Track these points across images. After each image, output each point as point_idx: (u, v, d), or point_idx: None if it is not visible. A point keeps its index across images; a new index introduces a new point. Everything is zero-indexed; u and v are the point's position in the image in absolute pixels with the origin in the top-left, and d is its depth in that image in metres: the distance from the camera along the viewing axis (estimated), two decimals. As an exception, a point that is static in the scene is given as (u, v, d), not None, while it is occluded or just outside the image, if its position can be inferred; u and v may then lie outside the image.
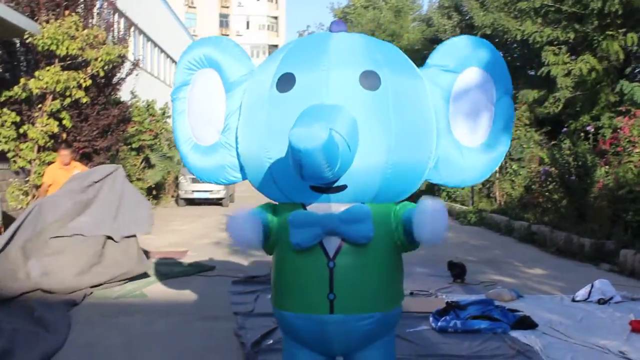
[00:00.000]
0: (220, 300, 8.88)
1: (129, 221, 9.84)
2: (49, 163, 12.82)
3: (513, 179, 20.51)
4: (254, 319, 7.73)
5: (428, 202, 3.31)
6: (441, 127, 3.83)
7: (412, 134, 3.62)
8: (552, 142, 19.27)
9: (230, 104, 4.02)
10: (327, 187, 3.48)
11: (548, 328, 7.41)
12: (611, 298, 8.80)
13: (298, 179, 3.25)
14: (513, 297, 8.93)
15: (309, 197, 3.58)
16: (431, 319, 7.52)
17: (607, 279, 9.51)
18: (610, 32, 20.60)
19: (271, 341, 6.81)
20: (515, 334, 7.14)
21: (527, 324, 7.44)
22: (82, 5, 15.82)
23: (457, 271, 10.38)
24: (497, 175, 20.89)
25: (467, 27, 28.65)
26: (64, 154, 10.54)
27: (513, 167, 20.53)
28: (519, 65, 27.28)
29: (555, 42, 21.87)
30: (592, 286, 9.00)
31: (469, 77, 3.91)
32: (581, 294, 8.97)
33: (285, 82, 3.60)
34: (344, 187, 3.49)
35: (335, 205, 3.54)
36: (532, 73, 25.39)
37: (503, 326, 7.30)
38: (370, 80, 3.53)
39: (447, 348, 6.68)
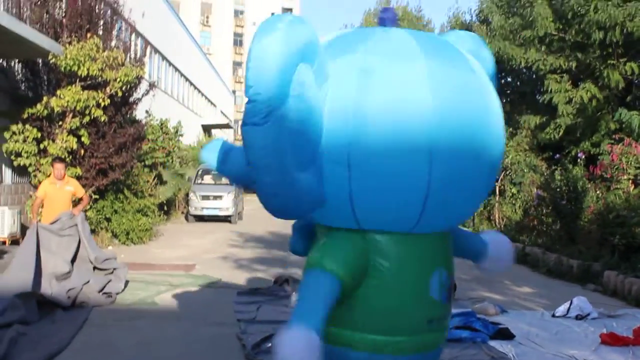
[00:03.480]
0: (225, 309, 9.55)
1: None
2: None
3: (513, 202, 21.16)
4: (255, 325, 8.37)
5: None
6: None
7: None
8: (553, 168, 19.90)
9: None
10: None
11: (524, 339, 8.10)
12: (588, 314, 9.46)
13: None
14: (497, 311, 9.58)
15: None
16: (417, 328, 8.13)
17: (591, 298, 10.20)
18: (612, 62, 21.26)
19: (270, 344, 7.46)
20: (493, 343, 7.81)
21: (505, 334, 8.12)
22: (102, 27, 16.63)
23: (448, 287, 10.98)
24: (498, 198, 21.55)
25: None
26: (58, 167, 10.86)
27: (512, 190, 21.16)
28: (525, 90, 27.96)
29: (558, 70, 22.54)
30: (570, 303, 9.68)
31: None
32: (561, 310, 9.65)
33: None
34: None
35: None
36: (538, 98, 25.98)
37: (482, 336, 7.96)
38: None
39: (429, 354, 7.33)
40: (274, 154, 3.07)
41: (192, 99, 41.71)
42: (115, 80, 15.15)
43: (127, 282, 10.71)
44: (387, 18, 3.69)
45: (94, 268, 10.38)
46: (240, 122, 3.73)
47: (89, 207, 15.10)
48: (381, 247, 3.48)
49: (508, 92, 29.36)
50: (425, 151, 3.19)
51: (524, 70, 27.22)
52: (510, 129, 23.81)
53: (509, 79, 29.77)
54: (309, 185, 3.24)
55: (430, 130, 3.18)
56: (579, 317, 9.39)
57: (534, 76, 26.40)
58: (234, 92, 74.04)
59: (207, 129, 45.84)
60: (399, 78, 3.24)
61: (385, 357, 3.49)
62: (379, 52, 3.35)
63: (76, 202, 11.25)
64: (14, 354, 6.92)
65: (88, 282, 9.85)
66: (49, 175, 14.15)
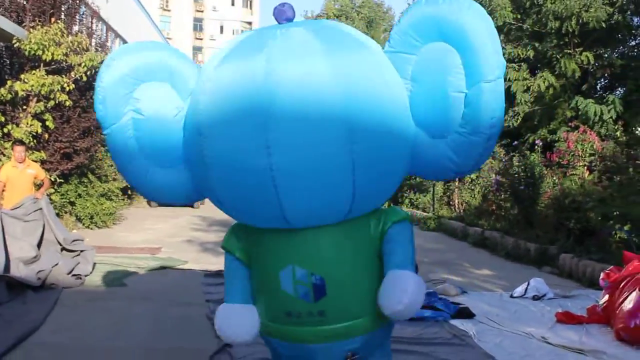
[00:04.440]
0: (193, 290, 9.75)
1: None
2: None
3: (472, 187, 21.55)
4: (224, 305, 8.59)
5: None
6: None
7: None
8: (511, 154, 20.29)
9: None
10: None
11: (484, 318, 8.41)
12: (544, 295, 9.82)
13: None
14: (458, 292, 9.91)
15: None
16: (381, 308, 8.41)
17: (547, 280, 10.57)
18: (568, 51, 21.71)
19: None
20: (454, 322, 8.12)
21: (465, 314, 8.43)
22: (65, 12, 16.61)
23: (410, 269, 11.28)
24: (457, 183, 21.96)
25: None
26: (19, 150, 10.90)
27: (472, 176, 21.51)
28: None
29: (517, 59, 22.94)
30: (528, 284, 10.04)
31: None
32: (518, 290, 9.99)
33: None
34: None
35: None
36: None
37: (444, 315, 8.27)
38: None
39: (392, 332, 7.61)
40: (122, 155, 3.66)
41: (153, 84, 41.38)
42: (80, 65, 15.22)
43: (94, 265, 10.84)
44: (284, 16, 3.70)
45: (62, 249, 10.51)
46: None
47: (53, 190, 15.15)
48: (251, 234, 3.71)
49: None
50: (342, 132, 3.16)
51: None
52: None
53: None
54: (170, 180, 3.69)
55: (341, 111, 3.12)
56: (535, 298, 9.74)
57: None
58: (194, 77, 73.63)
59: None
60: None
61: (272, 340, 3.74)
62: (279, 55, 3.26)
63: (38, 186, 11.32)
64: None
65: (57, 264, 9.93)
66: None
